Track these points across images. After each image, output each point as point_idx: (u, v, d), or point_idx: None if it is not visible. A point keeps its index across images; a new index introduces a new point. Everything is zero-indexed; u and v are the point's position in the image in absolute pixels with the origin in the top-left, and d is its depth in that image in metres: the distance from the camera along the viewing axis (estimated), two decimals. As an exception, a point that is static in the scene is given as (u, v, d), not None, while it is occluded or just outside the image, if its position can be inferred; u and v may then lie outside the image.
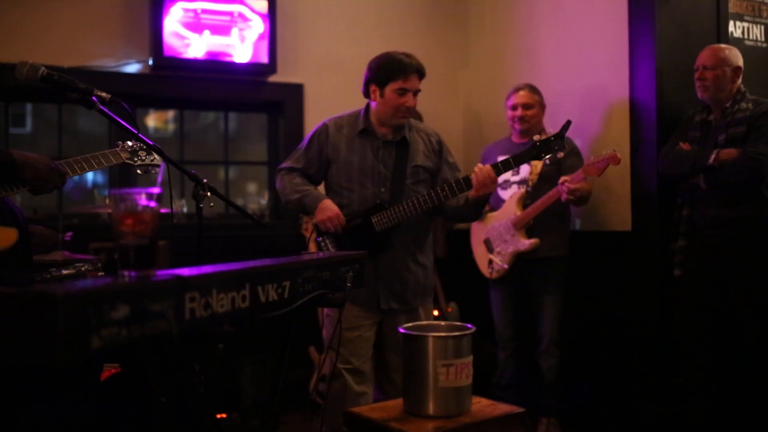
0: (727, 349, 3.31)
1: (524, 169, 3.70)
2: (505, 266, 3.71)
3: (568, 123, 2.73)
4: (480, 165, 2.76)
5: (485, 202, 2.86)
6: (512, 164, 2.79)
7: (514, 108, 3.77)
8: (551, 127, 3.86)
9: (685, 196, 3.33)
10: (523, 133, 3.78)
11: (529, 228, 3.63)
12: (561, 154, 2.75)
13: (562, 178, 3.46)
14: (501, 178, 3.66)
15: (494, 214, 3.77)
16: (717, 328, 3.28)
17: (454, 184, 2.79)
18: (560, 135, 2.70)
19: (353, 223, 2.87)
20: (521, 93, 3.77)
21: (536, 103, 3.77)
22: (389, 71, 2.82)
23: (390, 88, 2.82)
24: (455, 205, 2.91)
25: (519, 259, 3.66)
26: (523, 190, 3.67)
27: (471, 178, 2.75)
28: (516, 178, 3.73)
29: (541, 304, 3.71)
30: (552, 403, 3.73)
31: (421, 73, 2.86)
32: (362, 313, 2.86)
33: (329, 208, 2.84)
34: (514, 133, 3.84)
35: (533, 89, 3.79)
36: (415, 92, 2.86)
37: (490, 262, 3.79)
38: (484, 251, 3.84)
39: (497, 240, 3.74)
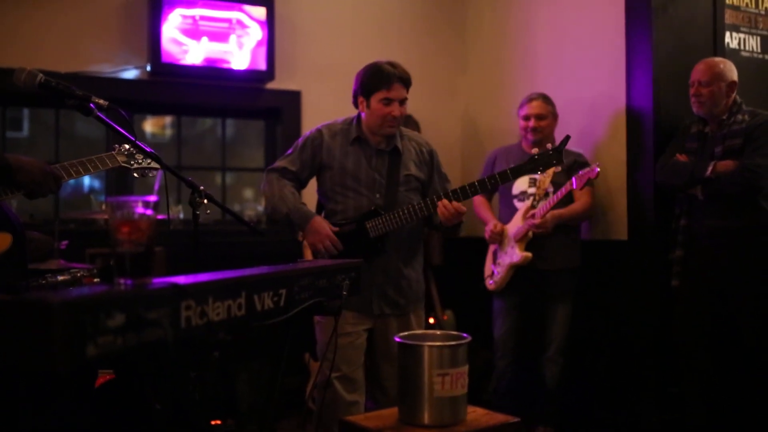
0: (726, 356, 3.32)
1: (539, 181, 3.65)
2: (498, 278, 3.72)
3: (567, 138, 2.73)
4: (444, 201, 2.73)
5: (459, 225, 2.85)
6: (497, 180, 2.76)
7: (526, 118, 3.73)
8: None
9: (682, 206, 3.35)
10: (536, 143, 3.72)
11: (532, 241, 3.62)
12: (558, 168, 2.76)
13: (530, 212, 3.54)
14: (517, 190, 3.73)
15: (507, 225, 3.75)
16: (716, 336, 3.29)
17: (451, 194, 2.77)
18: (558, 149, 2.70)
19: (347, 228, 2.86)
20: (534, 104, 3.73)
21: (549, 113, 3.74)
22: (373, 82, 2.82)
23: (375, 99, 2.82)
24: (437, 223, 2.92)
25: (519, 270, 3.66)
26: (529, 203, 3.65)
27: (439, 215, 2.75)
28: (533, 190, 3.67)
29: (553, 312, 3.70)
30: (551, 410, 3.73)
31: (405, 82, 2.85)
32: (354, 319, 2.85)
33: (320, 230, 2.81)
34: (526, 142, 3.81)
35: (546, 99, 3.76)
36: (401, 101, 2.84)
37: (492, 272, 3.80)
38: (490, 261, 3.85)
39: (500, 251, 3.75)
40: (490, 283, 3.80)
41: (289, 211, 2.86)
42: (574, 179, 3.42)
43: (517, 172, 2.77)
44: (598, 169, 3.35)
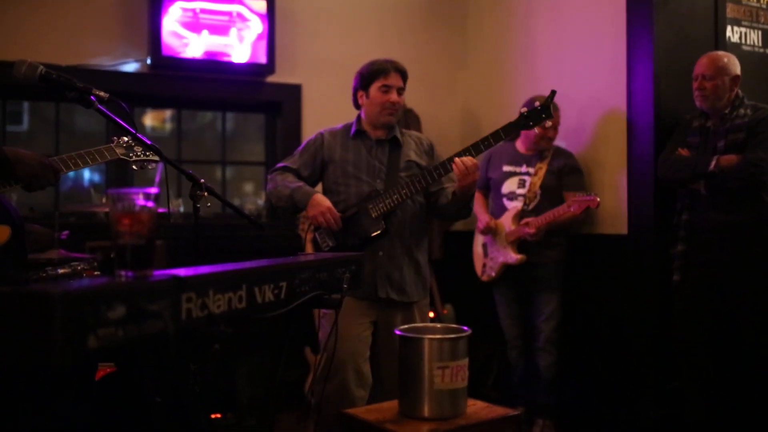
0: (726, 352, 3.32)
1: (529, 183, 3.76)
2: (492, 274, 3.83)
3: (553, 93, 2.75)
4: (457, 159, 2.74)
5: (471, 195, 2.88)
6: (490, 142, 2.76)
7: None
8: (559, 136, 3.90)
9: (684, 201, 3.34)
10: (537, 142, 3.80)
11: (523, 241, 3.69)
12: (548, 123, 2.79)
13: (525, 220, 3.64)
14: (507, 189, 3.84)
15: (496, 221, 3.83)
16: (717, 331, 3.29)
17: (447, 162, 2.79)
18: (546, 104, 2.74)
19: (350, 212, 2.90)
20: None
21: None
22: (370, 74, 2.95)
23: (374, 88, 2.94)
24: (446, 203, 2.96)
25: (510, 268, 3.76)
26: (519, 206, 3.74)
27: (454, 170, 2.75)
28: (522, 191, 3.77)
29: (539, 303, 3.77)
30: (549, 402, 3.74)
31: (402, 73, 2.97)
32: (360, 310, 2.87)
33: (321, 202, 2.87)
34: (524, 141, 3.87)
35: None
36: (399, 90, 2.95)
37: (484, 265, 3.88)
38: (480, 254, 3.93)
39: (491, 247, 3.85)
40: (484, 277, 3.91)
41: (292, 191, 2.92)
42: (574, 204, 3.49)
43: (509, 130, 2.77)
44: (599, 200, 3.44)
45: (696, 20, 3.69)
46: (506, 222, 3.77)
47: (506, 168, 3.87)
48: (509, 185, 3.85)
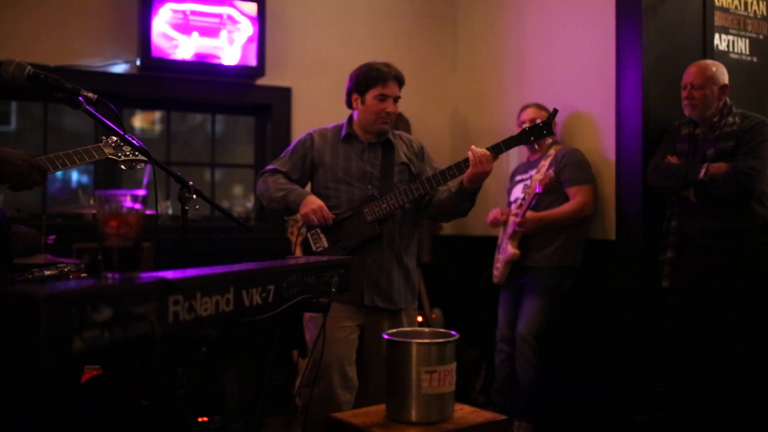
0: (714, 359, 3.33)
1: (530, 182, 3.81)
2: (497, 273, 3.88)
3: (555, 111, 2.78)
4: (473, 147, 2.75)
5: (477, 189, 2.84)
6: (502, 148, 2.78)
7: (521, 125, 3.78)
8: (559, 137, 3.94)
9: (673, 208, 3.36)
10: (534, 150, 3.92)
11: (526, 238, 3.74)
12: (550, 140, 2.83)
13: (514, 211, 3.72)
14: (513, 197, 3.95)
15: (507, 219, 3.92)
16: (706, 337, 3.30)
17: (446, 171, 2.79)
18: (548, 122, 2.77)
19: (344, 215, 2.90)
20: (528, 110, 3.88)
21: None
22: (369, 79, 2.91)
23: (370, 95, 2.91)
24: (446, 197, 2.92)
25: (513, 266, 3.79)
26: (519, 201, 3.79)
27: (468, 156, 2.74)
28: (523, 194, 3.83)
29: (522, 305, 3.78)
30: (526, 407, 3.73)
31: (400, 81, 2.96)
32: (347, 313, 2.86)
33: (314, 200, 2.87)
34: (528, 150, 3.98)
35: (540, 106, 3.89)
36: (395, 99, 2.94)
37: (497, 267, 3.94)
38: (496, 255, 3.97)
39: (501, 246, 3.90)
40: (494, 275, 3.93)
41: (286, 193, 2.92)
42: (537, 184, 3.56)
43: (510, 144, 2.79)
44: (551, 173, 3.53)
45: (684, 28, 3.71)
46: (511, 220, 3.82)
47: (516, 178, 4.01)
48: (515, 192, 3.96)
